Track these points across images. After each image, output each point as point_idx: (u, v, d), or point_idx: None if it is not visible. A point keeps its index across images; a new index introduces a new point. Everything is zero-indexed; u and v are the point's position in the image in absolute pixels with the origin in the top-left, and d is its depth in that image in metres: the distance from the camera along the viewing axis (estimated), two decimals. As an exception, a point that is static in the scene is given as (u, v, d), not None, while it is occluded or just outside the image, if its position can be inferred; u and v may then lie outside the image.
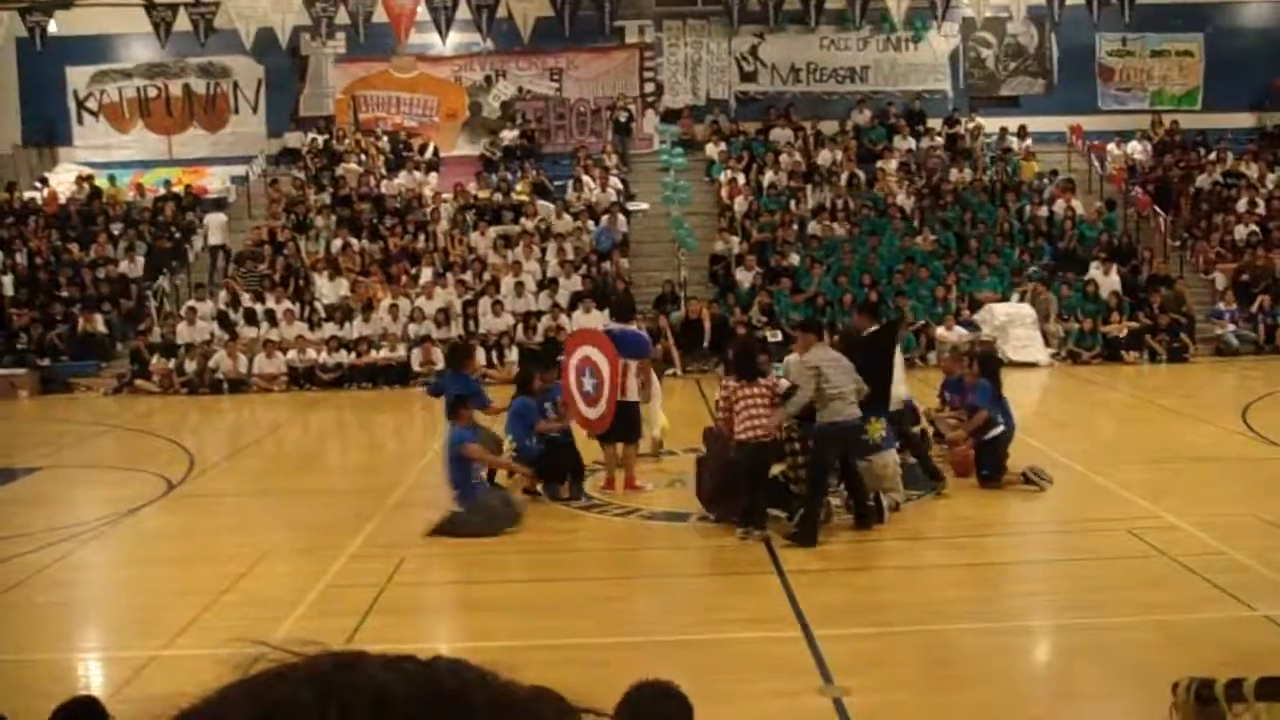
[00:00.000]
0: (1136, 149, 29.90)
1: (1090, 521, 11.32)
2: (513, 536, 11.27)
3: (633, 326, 13.46)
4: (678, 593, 9.79)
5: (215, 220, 27.14)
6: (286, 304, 24.18)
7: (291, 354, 22.97)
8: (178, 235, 26.96)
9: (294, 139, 29.93)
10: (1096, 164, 29.48)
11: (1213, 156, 29.22)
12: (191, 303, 24.25)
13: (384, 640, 8.16)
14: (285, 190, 27.90)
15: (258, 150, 30.02)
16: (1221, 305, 24.36)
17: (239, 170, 29.19)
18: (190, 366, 22.76)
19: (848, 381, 10.80)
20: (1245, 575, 9.24)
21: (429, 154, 29.49)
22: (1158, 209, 27.57)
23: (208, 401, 21.88)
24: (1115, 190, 28.40)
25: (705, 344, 22.89)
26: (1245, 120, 31.35)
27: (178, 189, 28.64)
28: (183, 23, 27.27)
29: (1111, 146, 29.79)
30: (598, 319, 23.12)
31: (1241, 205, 27.43)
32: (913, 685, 7.47)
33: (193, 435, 18.77)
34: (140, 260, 26.16)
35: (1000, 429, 12.87)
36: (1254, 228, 26.56)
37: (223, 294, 24.57)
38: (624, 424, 12.59)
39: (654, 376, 13.66)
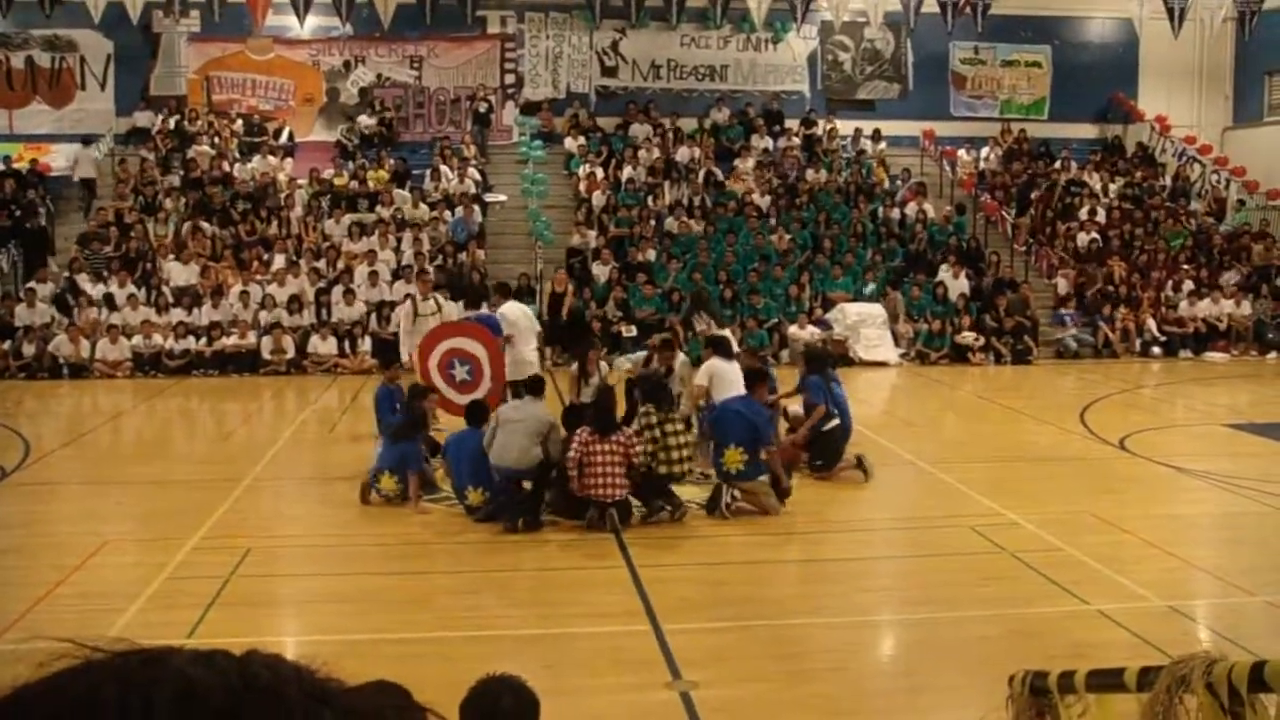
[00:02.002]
0: (986, 155, 30.72)
1: (935, 518, 11.59)
2: (361, 529, 11.14)
3: (485, 310, 14.57)
4: (527, 586, 9.75)
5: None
6: (131, 288, 23.50)
7: (136, 339, 22.34)
8: (18, 213, 25.97)
9: (144, 118, 29.06)
10: (948, 169, 30.19)
11: (1057, 165, 30.16)
12: (31, 283, 23.42)
13: (226, 634, 7.99)
14: (133, 171, 27.12)
15: (105, 128, 29.07)
16: (1063, 310, 25.14)
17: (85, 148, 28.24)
18: (28, 349, 21.99)
19: None
20: (1081, 571, 9.53)
21: (284, 138, 28.93)
22: (1006, 214, 28.36)
23: (46, 386, 21.16)
24: (965, 195, 29.11)
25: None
26: (1089, 131, 32.46)
27: (19, 165, 27.62)
28: (27, -9, 26.32)
29: (962, 152, 30.56)
30: (452, 310, 23.04)
31: (1083, 213, 28.36)
32: (760, 679, 7.54)
33: (29, 421, 18.13)
34: (-25, 238, 25.17)
35: (835, 422, 13.15)
36: (1095, 235, 27.49)
37: (64, 276, 23.77)
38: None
39: None
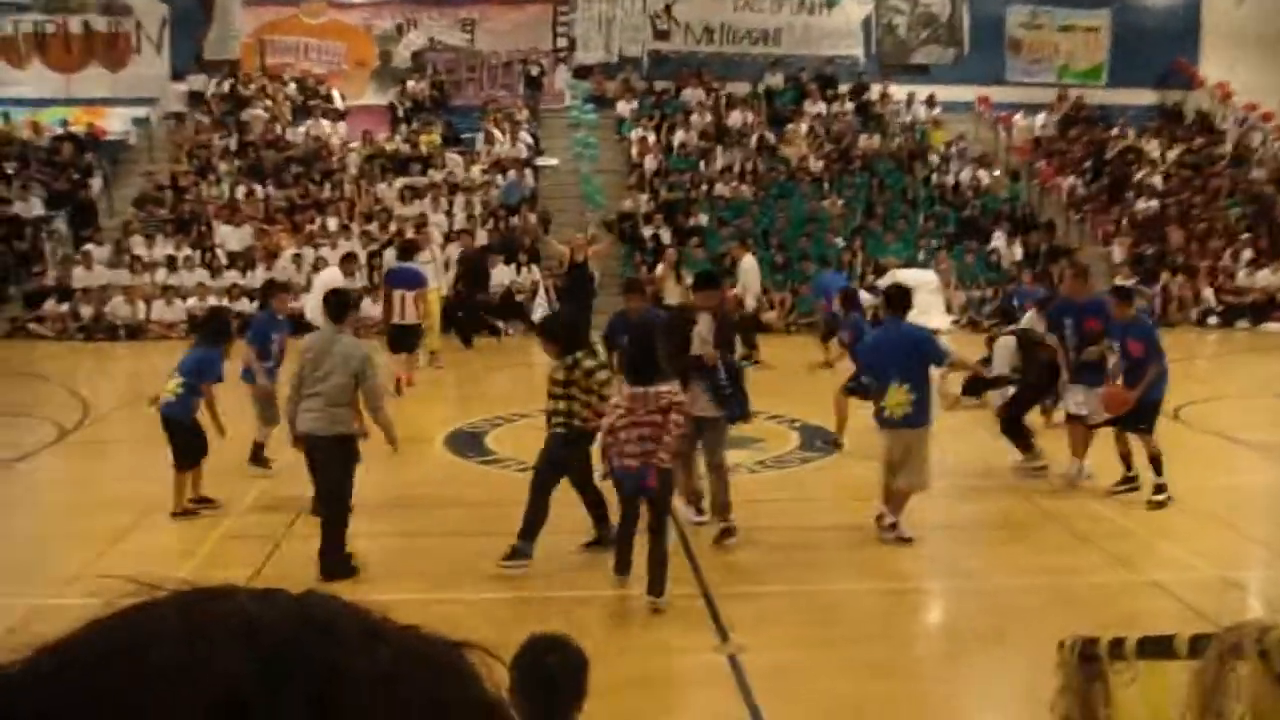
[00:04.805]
0: (1042, 121, 30.34)
1: (986, 485, 11.52)
2: (409, 491, 11.19)
3: (412, 264, 16.98)
4: (574, 549, 9.78)
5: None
6: (186, 250, 23.73)
7: (191, 301, 22.57)
8: (76, 176, 26.24)
9: (198, 82, 29.26)
10: (1003, 134, 29.86)
11: (1115, 132, 29.75)
12: (88, 246, 23.69)
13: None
14: (188, 134, 27.34)
15: (160, 92, 29.29)
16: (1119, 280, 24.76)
17: (140, 112, 28.48)
18: (86, 311, 22.26)
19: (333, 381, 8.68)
20: (1133, 540, 9.48)
21: (336, 102, 29.02)
22: (1061, 180, 28.04)
23: (104, 348, 21.44)
24: (1020, 161, 28.80)
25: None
26: (1148, 97, 31.90)
27: (76, 128, 27.90)
28: (84, -42, 26.53)
29: (1018, 118, 30.19)
30: (504, 273, 23.16)
31: (1141, 181, 27.99)
32: (807, 643, 7.55)
33: (87, 382, 18.38)
34: (35, 201, 25.42)
35: None
36: (1153, 203, 27.13)
37: (119, 239, 24.04)
38: (407, 340, 16.37)
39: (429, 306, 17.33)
